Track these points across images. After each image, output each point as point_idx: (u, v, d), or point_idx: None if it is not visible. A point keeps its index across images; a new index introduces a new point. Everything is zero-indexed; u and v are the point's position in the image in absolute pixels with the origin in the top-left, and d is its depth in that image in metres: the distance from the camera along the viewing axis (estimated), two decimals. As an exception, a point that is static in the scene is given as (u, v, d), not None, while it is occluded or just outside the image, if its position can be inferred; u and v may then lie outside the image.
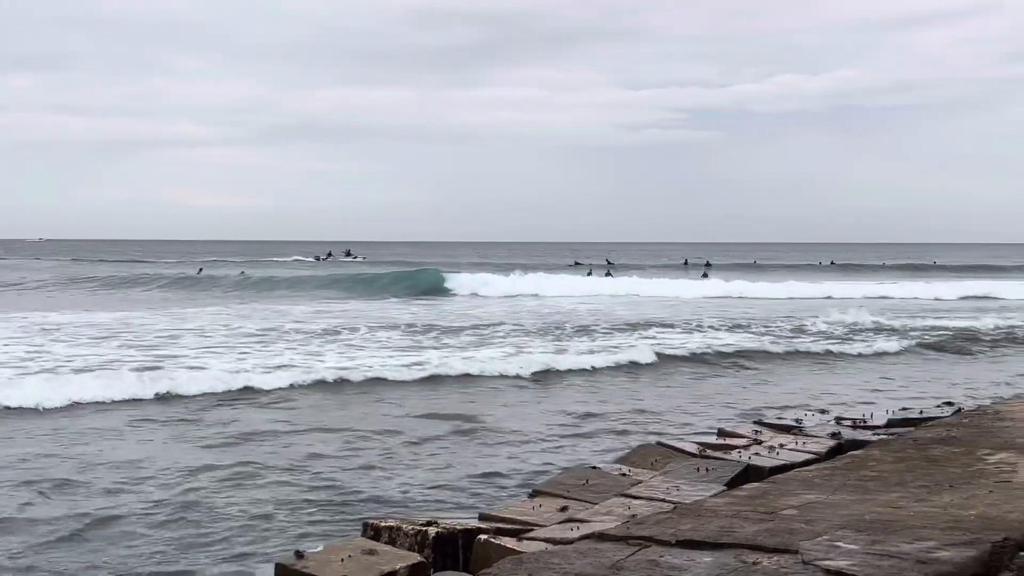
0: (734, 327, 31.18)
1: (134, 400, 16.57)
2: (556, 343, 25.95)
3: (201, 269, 71.86)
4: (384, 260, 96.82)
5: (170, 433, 14.29)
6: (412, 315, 35.36)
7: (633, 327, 30.76)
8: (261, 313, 35.54)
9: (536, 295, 49.33)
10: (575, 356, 22.72)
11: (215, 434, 14.22)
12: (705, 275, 76.37)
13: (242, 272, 66.76)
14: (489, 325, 31.03)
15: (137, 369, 19.19)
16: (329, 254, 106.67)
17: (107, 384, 17.13)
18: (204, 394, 17.19)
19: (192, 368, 19.62)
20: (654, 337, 27.73)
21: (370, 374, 19.52)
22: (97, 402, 16.21)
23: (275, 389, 17.96)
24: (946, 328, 30.81)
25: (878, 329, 30.44)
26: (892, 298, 49.52)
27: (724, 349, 25.05)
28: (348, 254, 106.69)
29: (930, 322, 33.54)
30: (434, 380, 19.42)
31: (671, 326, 31.37)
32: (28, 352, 21.98)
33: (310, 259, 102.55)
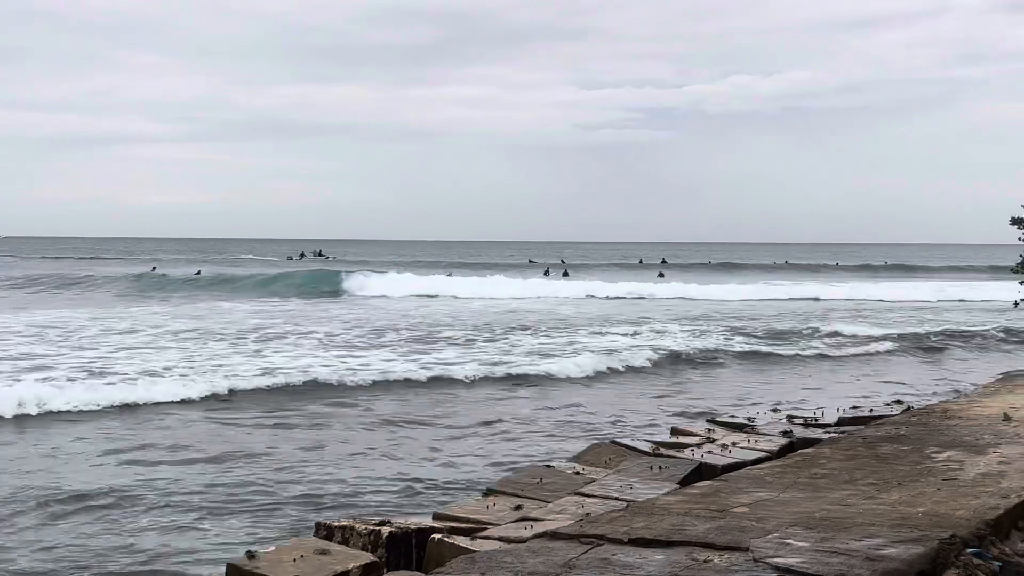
0: (686, 327, 31.38)
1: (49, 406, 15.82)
2: (500, 344, 25.95)
3: (155, 267, 71.10)
4: (351, 259, 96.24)
5: (96, 439, 13.95)
6: (354, 316, 35.12)
7: (576, 328, 30.78)
8: (200, 312, 35.28)
9: (478, 297, 48.60)
10: (521, 357, 22.74)
11: (146, 441, 13.81)
12: (661, 275, 76.98)
13: (198, 271, 66.11)
14: (433, 327, 30.94)
15: (71, 373, 18.74)
16: (302, 254, 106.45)
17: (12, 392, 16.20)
18: (127, 402, 16.34)
19: (117, 371, 19.21)
20: (602, 335, 27.84)
21: (308, 376, 19.10)
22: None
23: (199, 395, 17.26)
24: (896, 329, 31.19)
25: (828, 332, 30.72)
26: (844, 299, 50.04)
27: (675, 347, 25.22)
28: (319, 254, 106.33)
29: (880, 322, 33.95)
30: (378, 383, 19.01)
31: (618, 326, 31.48)
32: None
33: (271, 258, 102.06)
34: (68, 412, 15.60)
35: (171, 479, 11.59)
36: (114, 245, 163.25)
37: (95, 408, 15.90)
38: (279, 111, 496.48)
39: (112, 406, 16.04)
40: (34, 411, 15.42)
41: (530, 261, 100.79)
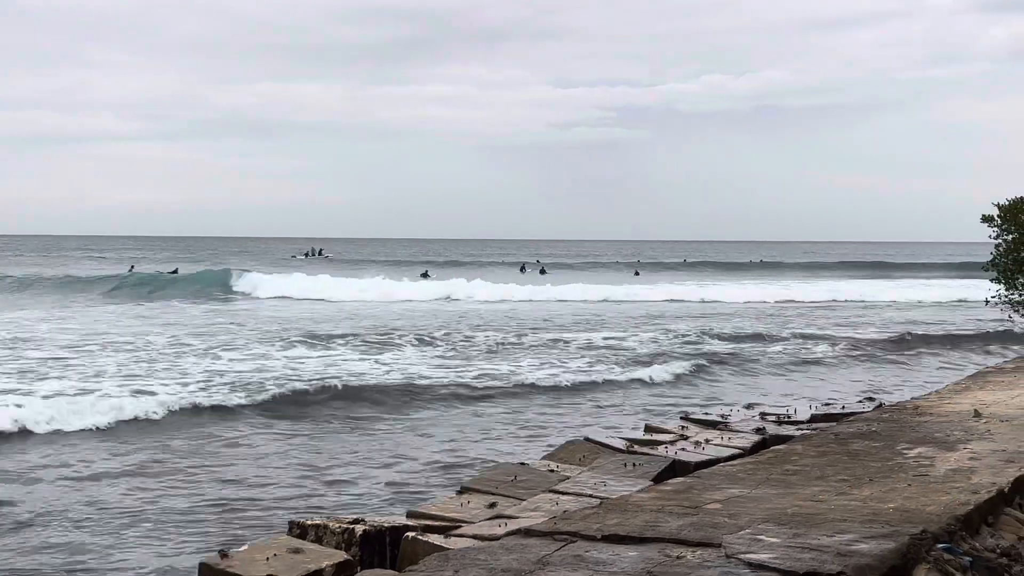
0: (662, 330, 31.42)
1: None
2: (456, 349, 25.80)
3: (132, 267, 70.39)
4: (354, 259, 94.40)
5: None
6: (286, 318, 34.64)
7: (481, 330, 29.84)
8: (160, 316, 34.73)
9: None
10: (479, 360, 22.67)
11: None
12: (636, 273, 77.66)
13: (175, 269, 65.49)
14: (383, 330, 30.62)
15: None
16: (307, 253, 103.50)
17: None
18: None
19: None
20: (523, 341, 26.97)
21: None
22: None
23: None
24: (867, 332, 31.24)
25: (800, 334, 30.74)
26: (819, 301, 49.58)
27: (649, 351, 25.27)
28: (319, 253, 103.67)
29: (854, 323, 34.07)
30: (323, 389, 18.20)
31: (542, 330, 30.78)
32: None
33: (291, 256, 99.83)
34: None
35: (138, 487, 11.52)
36: (85, 243, 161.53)
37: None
38: (251, 109, 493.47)
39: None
40: None
41: (502, 262, 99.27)
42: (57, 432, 14.21)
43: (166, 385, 17.86)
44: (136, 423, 15.01)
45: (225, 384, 18.21)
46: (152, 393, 16.81)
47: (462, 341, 26.60)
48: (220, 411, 16.11)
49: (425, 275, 64.66)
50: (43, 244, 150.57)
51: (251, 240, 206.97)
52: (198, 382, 18.42)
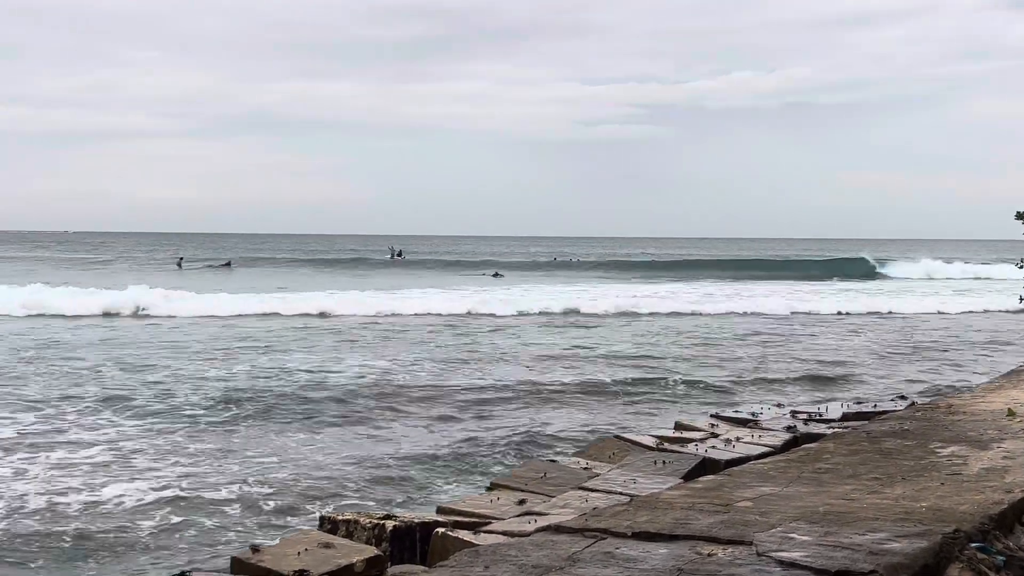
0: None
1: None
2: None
3: (182, 258, 70.63)
4: (425, 257, 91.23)
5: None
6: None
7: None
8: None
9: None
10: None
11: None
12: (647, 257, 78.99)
13: (228, 263, 65.88)
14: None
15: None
16: (398, 254, 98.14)
17: None
18: None
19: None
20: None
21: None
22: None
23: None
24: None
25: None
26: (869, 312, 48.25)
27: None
28: (399, 254, 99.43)
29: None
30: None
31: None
32: None
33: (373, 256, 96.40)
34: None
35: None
36: (117, 240, 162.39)
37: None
38: (278, 107, 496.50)
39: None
40: None
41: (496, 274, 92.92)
42: None
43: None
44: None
45: None
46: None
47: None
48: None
49: (496, 275, 64.80)
50: (70, 241, 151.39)
51: (279, 237, 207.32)
52: None
